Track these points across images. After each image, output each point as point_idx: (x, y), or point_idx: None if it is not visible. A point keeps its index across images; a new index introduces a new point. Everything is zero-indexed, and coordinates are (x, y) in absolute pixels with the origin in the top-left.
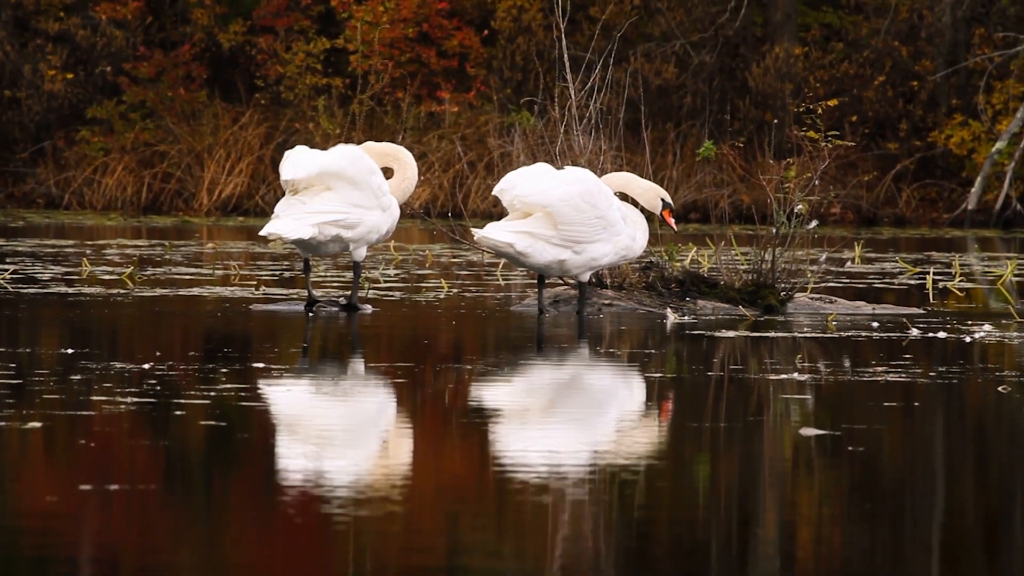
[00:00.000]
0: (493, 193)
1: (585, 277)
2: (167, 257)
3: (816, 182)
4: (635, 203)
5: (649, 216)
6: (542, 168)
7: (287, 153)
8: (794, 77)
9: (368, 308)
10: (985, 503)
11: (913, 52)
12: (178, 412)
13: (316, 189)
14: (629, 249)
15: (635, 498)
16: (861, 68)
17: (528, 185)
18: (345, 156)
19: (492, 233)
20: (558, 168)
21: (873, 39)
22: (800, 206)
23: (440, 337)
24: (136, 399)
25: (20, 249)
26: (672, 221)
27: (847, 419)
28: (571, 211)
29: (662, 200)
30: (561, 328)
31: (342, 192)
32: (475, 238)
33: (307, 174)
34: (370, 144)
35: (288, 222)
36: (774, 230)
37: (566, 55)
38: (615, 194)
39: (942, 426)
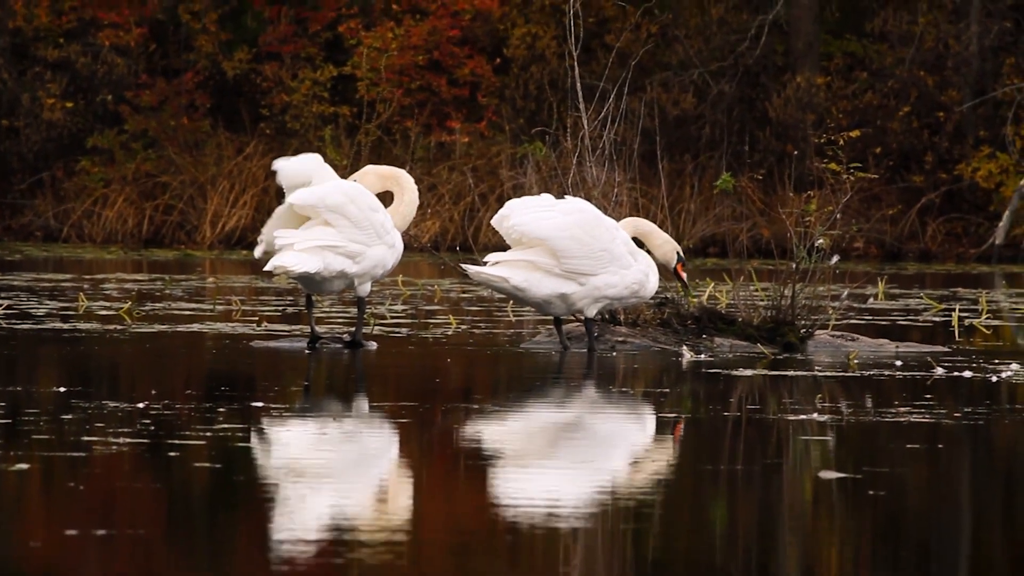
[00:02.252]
0: (492, 223)
1: (591, 311)
2: (167, 292)
3: (838, 216)
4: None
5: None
6: (542, 199)
7: (301, 156)
8: (816, 107)
9: (373, 345)
10: (1013, 550)
11: (939, 82)
12: (172, 453)
13: (314, 223)
14: (642, 286)
15: (649, 542)
16: (885, 98)
17: (524, 215)
18: (345, 193)
19: (487, 268)
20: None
21: (898, 68)
22: (821, 240)
23: (447, 376)
24: (129, 440)
25: (16, 283)
26: (684, 276)
27: (869, 462)
28: (571, 243)
29: (677, 254)
30: (573, 367)
31: (341, 229)
32: (469, 274)
33: (304, 203)
34: (370, 167)
35: (293, 256)
36: (794, 265)
37: (579, 84)
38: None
39: (968, 469)
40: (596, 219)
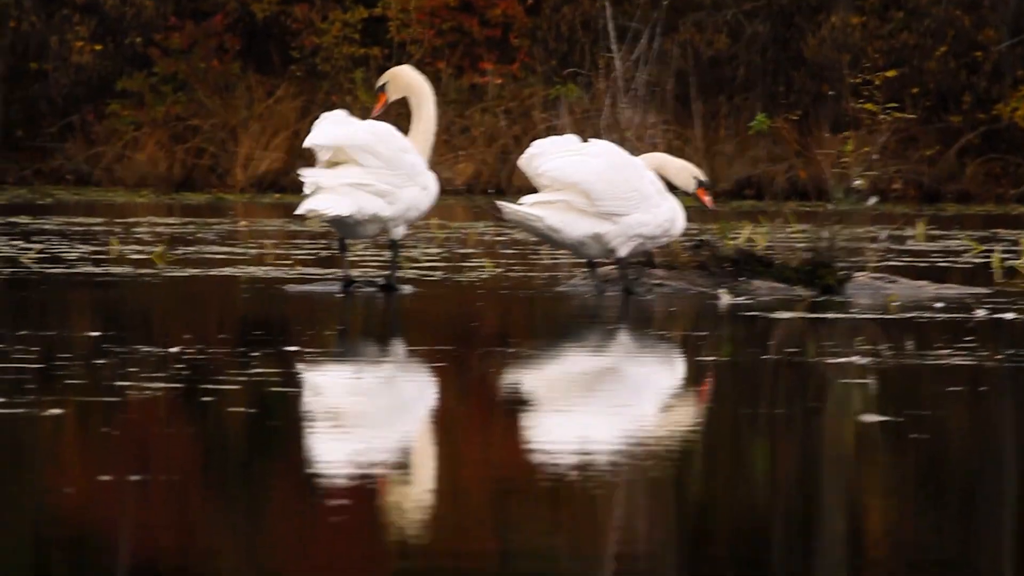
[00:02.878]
0: (519, 164)
1: (624, 251)
2: (199, 236)
3: (875, 157)
4: (669, 185)
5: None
6: (568, 140)
7: (323, 115)
8: (851, 47)
9: (407, 288)
10: None
11: (976, 21)
12: (206, 398)
13: (344, 165)
14: (672, 223)
15: (688, 488)
16: (922, 38)
17: (555, 160)
18: (374, 132)
19: (522, 207)
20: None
21: (934, 7)
22: (859, 181)
23: (482, 319)
24: (162, 384)
25: (47, 227)
26: (707, 199)
27: (910, 405)
28: (604, 185)
29: (696, 179)
30: (609, 310)
31: (371, 168)
32: (503, 213)
33: (332, 143)
34: (400, 68)
35: (326, 198)
36: (831, 207)
37: (611, 24)
38: None
39: (1010, 411)
40: (625, 160)
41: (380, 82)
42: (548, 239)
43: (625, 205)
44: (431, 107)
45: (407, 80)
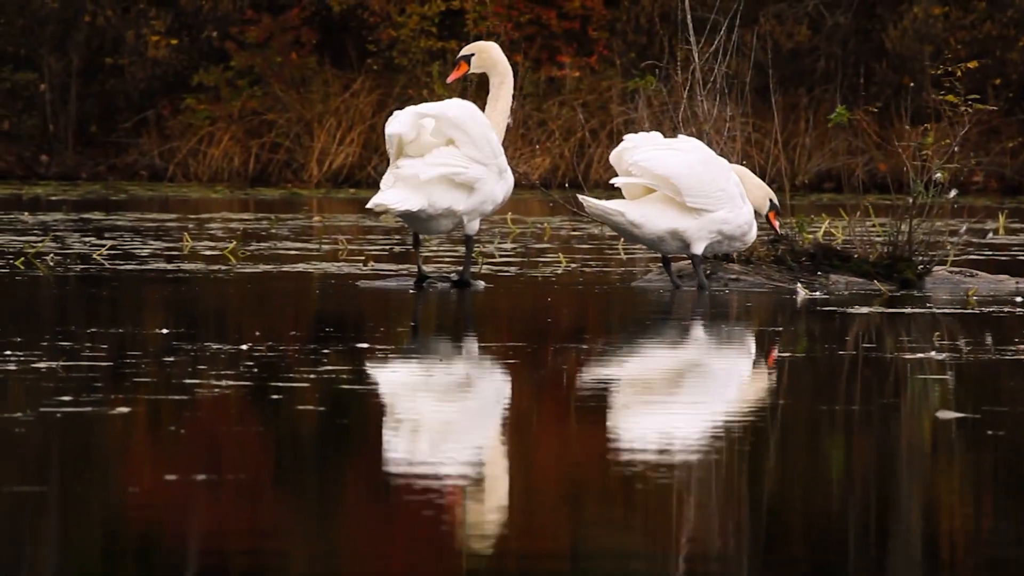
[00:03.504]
0: (610, 158)
1: (700, 247)
2: (273, 231)
3: (956, 149)
4: None
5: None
6: (654, 136)
7: (395, 113)
8: (934, 38)
9: (481, 284)
10: None
11: None
12: (275, 396)
13: (429, 146)
14: (751, 227)
15: (765, 484)
16: (1005, 28)
17: (647, 152)
18: (462, 107)
19: (604, 201)
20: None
21: None
22: (939, 174)
23: (557, 315)
24: (232, 382)
25: (120, 223)
26: (777, 224)
27: (988, 401)
28: (694, 180)
29: (770, 201)
30: (685, 305)
31: (462, 144)
32: (584, 207)
33: (426, 113)
34: (490, 45)
35: (397, 192)
36: (911, 200)
37: (690, 16)
38: None
39: None
40: (714, 158)
41: (466, 52)
42: (628, 234)
43: (711, 202)
44: (510, 89)
45: (494, 58)
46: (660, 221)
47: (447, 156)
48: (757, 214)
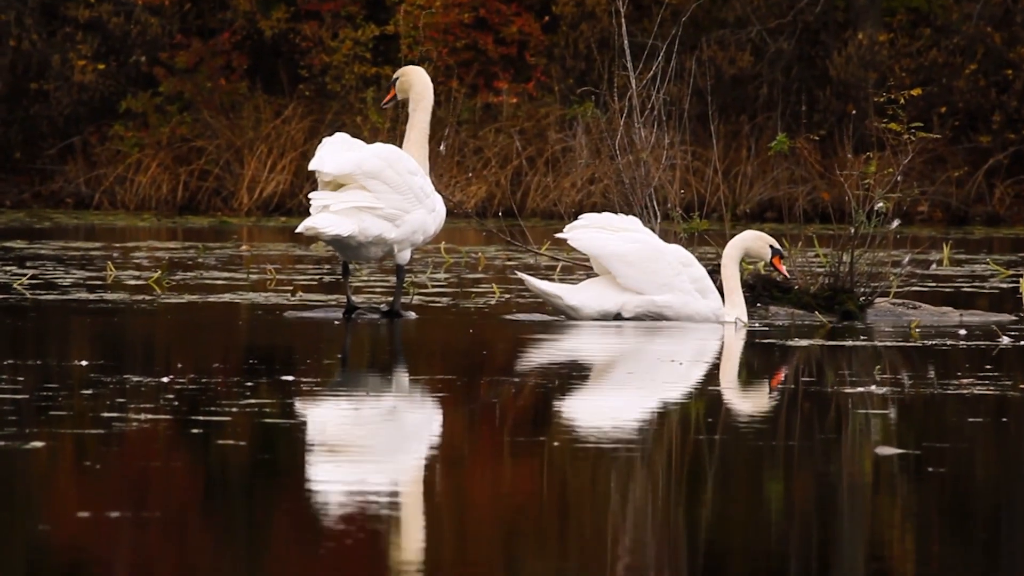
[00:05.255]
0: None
1: (629, 315)
2: (200, 261)
3: (899, 178)
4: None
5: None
6: (615, 218)
7: (324, 140)
8: (878, 65)
9: (411, 315)
10: None
11: (1007, 38)
12: (195, 430)
13: (351, 187)
14: (694, 316)
15: (704, 522)
16: (951, 56)
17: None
18: (383, 157)
19: (543, 283)
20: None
21: (964, 24)
22: (881, 204)
23: (489, 347)
24: (151, 416)
25: (43, 252)
26: (783, 268)
27: (929, 436)
28: (630, 270)
29: (771, 247)
30: (622, 336)
31: (379, 194)
32: (525, 283)
33: (339, 171)
34: (414, 69)
35: (327, 217)
36: (853, 230)
37: (627, 40)
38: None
39: None
40: (656, 252)
41: (395, 76)
42: (565, 315)
43: (650, 287)
44: (424, 116)
45: (411, 81)
46: (597, 304)
47: (360, 195)
48: (762, 259)
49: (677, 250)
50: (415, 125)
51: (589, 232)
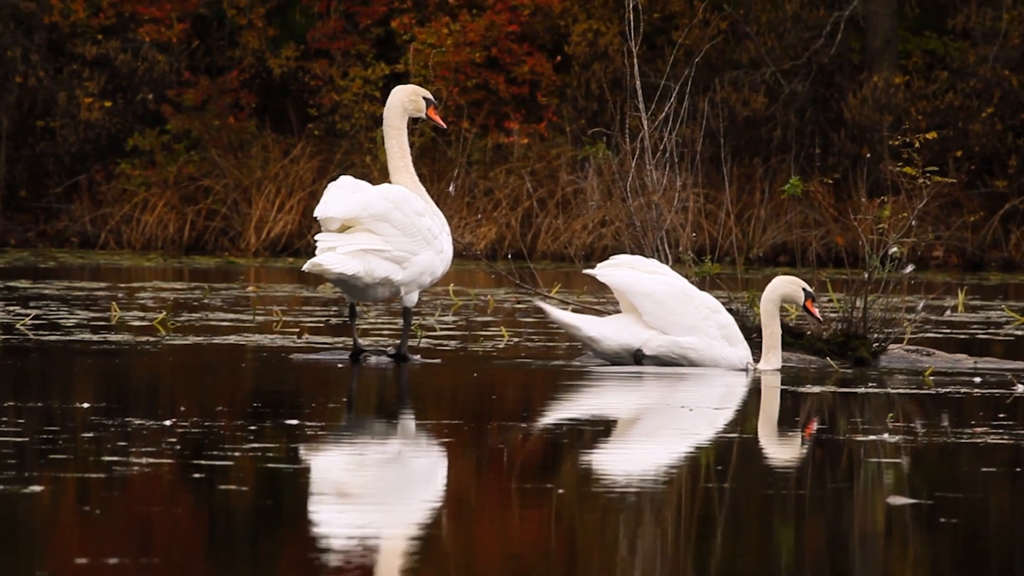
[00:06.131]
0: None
1: (651, 352)
2: (205, 302)
3: (913, 223)
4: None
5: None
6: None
7: (330, 185)
8: (894, 108)
9: (418, 358)
10: None
11: None
12: (197, 475)
13: (358, 230)
14: (722, 362)
15: (709, 570)
16: (967, 99)
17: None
18: (390, 199)
19: (564, 314)
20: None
21: (981, 67)
22: (895, 248)
23: (497, 391)
24: (153, 460)
25: (48, 292)
26: (816, 311)
27: (942, 486)
28: (658, 305)
29: (804, 290)
30: (629, 382)
31: (387, 237)
32: (546, 311)
33: (346, 214)
34: (403, 90)
35: (333, 256)
36: (866, 275)
37: (639, 81)
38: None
39: None
40: (685, 296)
41: (425, 96)
42: (585, 345)
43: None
44: (394, 142)
45: (411, 98)
46: (616, 339)
47: (367, 238)
48: (796, 303)
49: (706, 296)
50: (389, 153)
51: (619, 269)
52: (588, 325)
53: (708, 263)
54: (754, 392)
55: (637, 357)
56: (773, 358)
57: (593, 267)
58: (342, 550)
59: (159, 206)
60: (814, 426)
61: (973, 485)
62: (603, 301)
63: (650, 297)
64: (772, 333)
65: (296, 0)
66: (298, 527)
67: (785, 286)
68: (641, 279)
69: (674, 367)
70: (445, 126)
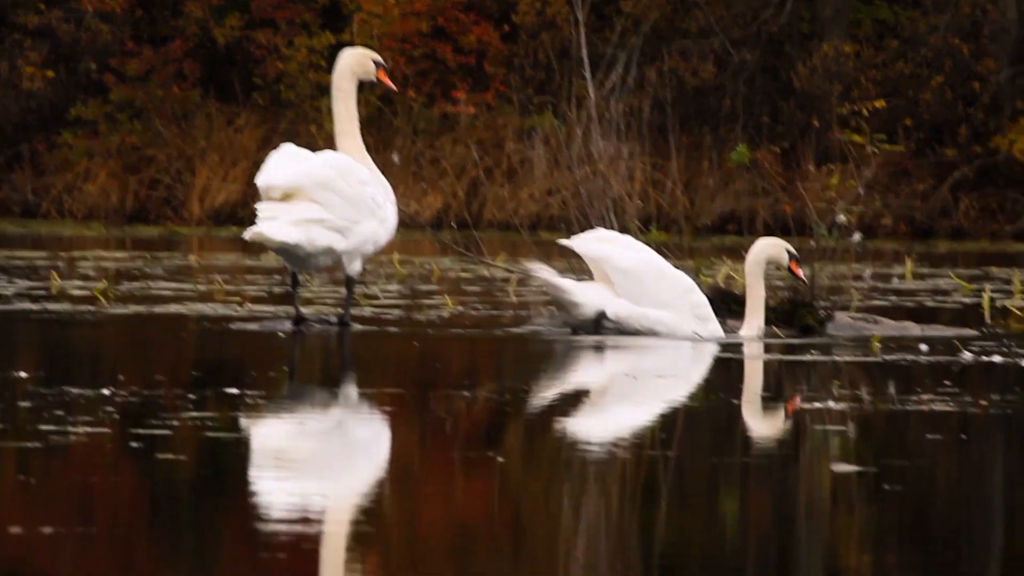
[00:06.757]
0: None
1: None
2: (147, 271)
3: (861, 191)
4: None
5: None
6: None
7: (271, 154)
8: (844, 77)
9: (359, 327)
10: None
11: (975, 51)
12: (135, 444)
13: (300, 199)
14: (673, 332)
15: (658, 537)
16: (918, 68)
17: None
18: (333, 166)
19: (545, 274)
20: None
21: (931, 36)
22: (842, 217)
23: (441, 360)
24: (90, 429)
25: None
26: (800, 272)
27: (887, 454)
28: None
29: (787, 252)
30: (575, 351)
31: (330, 206)
32: (532, 272)
33: (288, 183)
34: (352, 54)
35: (274, 224)
36: (814, 243)
37: (585, 50)
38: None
39: (995, 462)
40: (660, 271)
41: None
42: (563, 307)
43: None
44: (341, 106)
45: (359, 63)
46: (596, 304)
47: (308, 208)
48: (781, 264)
49: (682, 275)
50: (336, 118)
51: (597, 243)
52: (577, 291)
53: (655, 231)
54: (702, 361)
55: (598, 320)
56: (755, 322)
57: (565, 239)
58: (283, 520)
59: (102, 175)
60: (797, 400)
61: (919, 453)
62: (564, 270)
63: (626, 272)
64: (756, 296)
65: None
66: (238, 497)
67: (769, 248)
68: (619, 253)
69: (631, 336)
70: (397, 89)
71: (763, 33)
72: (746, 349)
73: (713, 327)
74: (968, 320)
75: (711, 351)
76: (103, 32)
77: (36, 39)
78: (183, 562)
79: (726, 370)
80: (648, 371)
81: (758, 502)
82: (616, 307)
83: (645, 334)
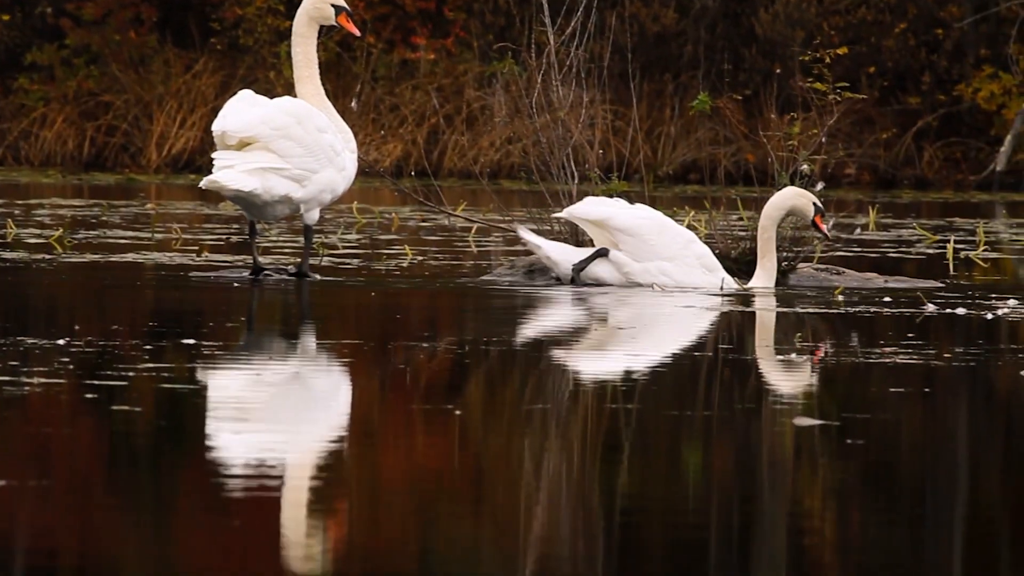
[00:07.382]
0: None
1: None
2: (104, 219)
3: (823, 139)
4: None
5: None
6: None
7: (228, 101)
8: (806, 24)
9: (317, 277)
10: (1006, 503)
11: None
12: (90, 395)
13: (256, 147)
14: (656, 278)
15: (616, 493)
16: (880, 14)
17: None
18: (291, 113)
19: (531, 235)
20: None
21: None
22: (805, 166)
23: (400, 310)
24: (43, 380)
25: None
26: (824, 228)
27: (849, 407)
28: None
29: (814, 205)
30: (537, 302)
31: (287, 154)
32: (520, 234)
33: (245, 129)
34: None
35: (230, 173)
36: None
37: None
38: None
39: (958, 414)
40: (662, 226)
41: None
42: (547, 264)
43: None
44: (300, 48)
45: (300, 10)
46: (570, 260)
47: (265, 156)
48: (805, 217)
49: (682, 228)
50: (295, 63)
51: (594, 206)
52: (560, 254)
53: (615, 181)
54: (671, 312)
55: (575, 271)
56: (765, 272)
57: (561, 209)
58: (240, 473)
59: (58, 122)
60: (822, 351)
61: (881, 406)
62: (497, 221)
63: (627, 230)
64: (768, 239)
65: None
66: (195, 449)
67: (797, 198)
68: (618, 212)
69: (599, 287)
70: (359, 33)
71: None
72: (758, 301)
73: (718, 275)
74: (932, 271)
75: (702, 303)
76: None
77: None
78: (140, 515)
79: (695, 321)
80: (610, 321)
81: (719, 456)
82: (622, 261)
83: (654, 289)
